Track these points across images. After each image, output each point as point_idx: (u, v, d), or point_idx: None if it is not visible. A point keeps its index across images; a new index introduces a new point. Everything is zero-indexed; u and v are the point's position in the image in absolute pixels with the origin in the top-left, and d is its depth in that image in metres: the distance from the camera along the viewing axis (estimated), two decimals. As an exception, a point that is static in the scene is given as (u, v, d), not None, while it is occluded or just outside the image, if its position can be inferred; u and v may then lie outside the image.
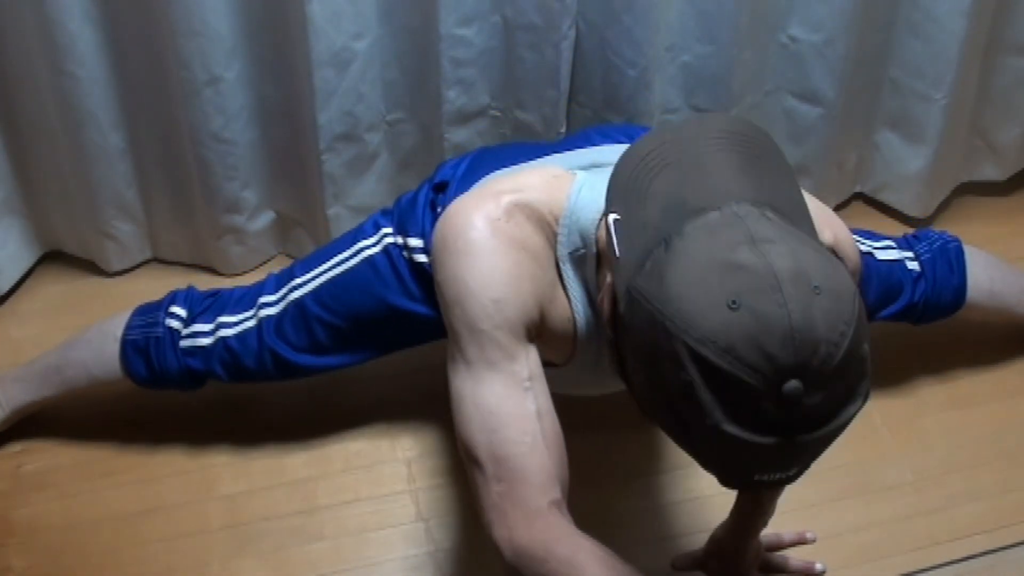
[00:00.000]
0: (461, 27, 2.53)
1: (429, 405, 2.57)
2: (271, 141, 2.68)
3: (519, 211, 1.73)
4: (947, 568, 2.39)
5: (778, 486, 1.43)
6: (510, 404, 1.65)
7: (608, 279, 1.54)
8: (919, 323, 2.56)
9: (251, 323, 2.33)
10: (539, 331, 1.74)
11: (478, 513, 1.67)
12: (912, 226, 3.05)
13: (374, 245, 2.25)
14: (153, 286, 2.77)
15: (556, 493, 1.64)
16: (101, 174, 2.63)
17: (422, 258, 2.14)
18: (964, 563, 2.40)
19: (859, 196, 3.17)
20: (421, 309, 2.17)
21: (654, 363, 1.38)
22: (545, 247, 1.75)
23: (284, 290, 2.32)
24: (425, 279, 2.09)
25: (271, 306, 2.32)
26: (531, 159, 2.16)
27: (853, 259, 1.90)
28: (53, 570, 2.33)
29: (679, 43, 2.63)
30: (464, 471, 1.70)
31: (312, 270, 2.31)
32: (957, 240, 2.58)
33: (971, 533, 2.43)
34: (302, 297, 2.29)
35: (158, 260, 2.91)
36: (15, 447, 2.51)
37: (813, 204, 1.84)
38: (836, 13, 2.64)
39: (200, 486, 2.47)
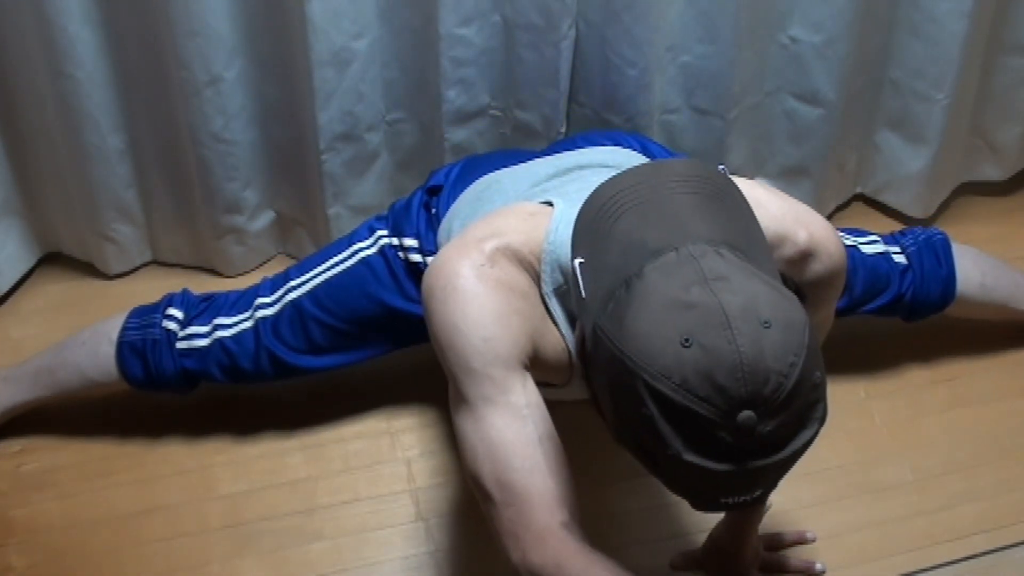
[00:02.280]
0: (461, 27, 2.53)
1: (429, 405, 2.57)
2: (271, 141, 2.69)
3: (502, 255, 1.76)
4: (947, 568, 2.39)
5: (745, 507, 1.48)
6: (510, 433, 1.68)
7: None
8: (910, 319, 2.57)
9: (248, 324, 2.34)
10: (534, 362, 1.76)
11: (496, 541, 1.69)
12: (912, 227, 3.05)
13: (370, 247, 2.29)
14: (153, 287, 2.78)
15: (565, 514, 1.66)
16: (100, 176, 2.63)
17: (417, 258, 2.19)
18: (964, 563, 2.40)
19: (859, 197, 3.17)
20: (417, 309, 2.19)
21: (617, 398, 1.45)
22: (530, 285, 1.79)
23: (280, 291, 2.35)
24: (420, 279, 2.11)
25: (268, 307, 2.34)
26: (519, 163, 2.21)
27: (835, 255, 1.91)
28: (53, 570, 2.33)
29: (679, 43, 2.63)
30: (463, 468, 1.71)
31: (308, 272, 2.34)
32: (943, 234, 2.59)
33: (971, 533, 2.43)
34: (299, 298, 2.32)
35: (158, 262, 2.91)
36: (15, 446, 2.51)
37: (788, 204, 1.88)
38: (836, 14, 2.64)
39: (200, 486, 2.47)
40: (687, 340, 1.36)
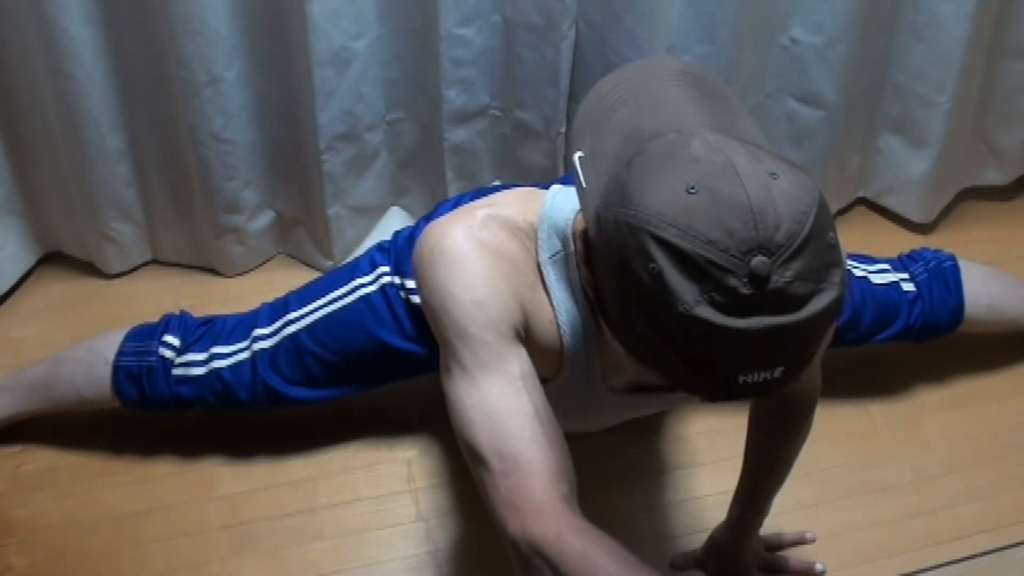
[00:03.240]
0: (461, 27, 2.54)
1: (429, 405, 2.56)
2: (271, 141, 2.69)
3: (493, 221, 1.74)
4: (947, 568, 2.38)
5: (765, 392, 1.41)
6: (507, 402, 1.64)
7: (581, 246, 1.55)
8: (919, 342, 2.57)
9: (245, 355, 2.34)
10: (526, 336, 1.74)
11: (489, 514, 1.66)
12: (915, 231, 3.06)
13: (371, 284, 2.28)
14: (153, 286, 2.80)
15: (564, 488, 1.63)
16: (100, 175, 2.64)
17: (419, 300, 2.16)
18: (964, 563, 2.40)
19: (862, 201, 3.17)
20: (416, 348, 2.20)
21: (623, 266, 1.39)
22: (522, 252, 1.75)
23: (279, 323, 2.34)
24: (421, 319, 2.10)
25: (265, 339, 2.34)
26: None
27: None
28: (53, 569, 2.33)
29: (679, 43, 2.63)
30: (464, 471, 1.70)
31: (307, 304, 2.33)
32: (952, 259, 2.58)
33: (971, 533, 2.43)
34: (297, 332, 2.31)
35: (158, 262, 2.91)
36: (15, 447, 2.51)
37: None
38: (838, 15, 2.64)
39: (200, 486, 2.47)
40: (693, 187, 1.32)
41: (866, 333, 2.48)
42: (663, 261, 1.32)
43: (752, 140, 1.48)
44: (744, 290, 1.31)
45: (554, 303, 1.75)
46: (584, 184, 1.50)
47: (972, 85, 2.87)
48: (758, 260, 1.30)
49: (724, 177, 1.33)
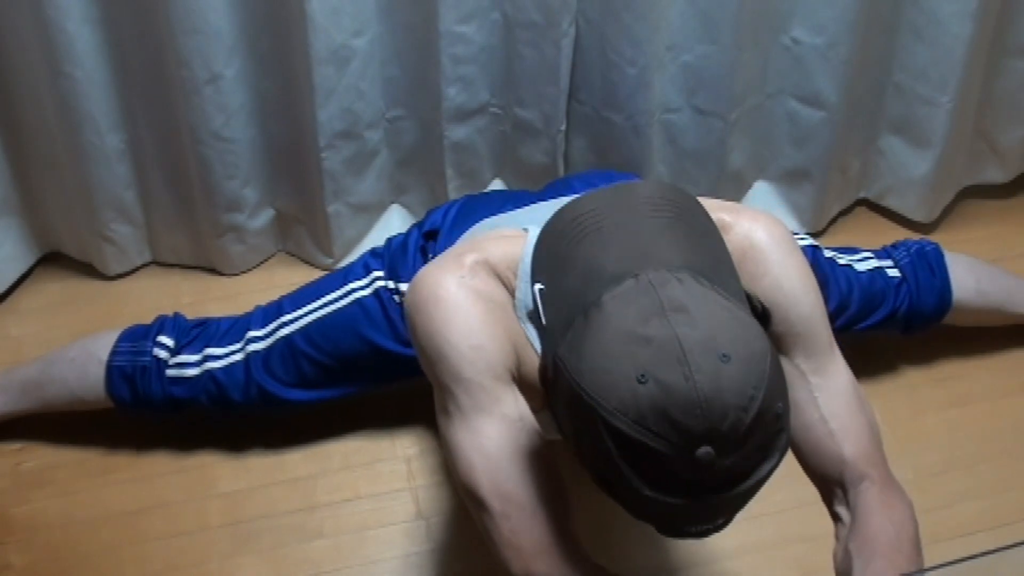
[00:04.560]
0: (461, 24, 2.54)
1: (429, 403, 2.54)
2: (271, 139, 2.69)
3: (481, 268, 1.75)
4: (948, 567, 2.37)
5: (709, 535, 1.46)
6: (505, 444, 1.66)
7: None
8: (908, 331, 2.58)
9: (239, 356, 2.35)
10: (518, 375, 1.75)
11: (492, 555, 1.68)
12: (916, 230, 3.05)
13: (365, 287, 2.30)
14: (152, 284, 2.81)
15: (565, 525, 1.66)
16: (99, 176, 2.64)
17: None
18: (965, 562, 2.38)
19: (863, 202, 3.17)
20: (409, 351, 2.18)
21: (577, 430, 1.43)
22: (509, 301, 1.76)
23: (273, 326, 2.35)
24: None
25: (259, 341, 2.35)
26: (516, 207, 2.21)
27: (754, 227, 1.82)
28: (52, 568, 2.33)
29: (680, 42, 2.64)
30: (456, 479, 1.70)
31: (301, 307, 2.35)
32: (935, 244, 2.60)
33: (972, 531, 2.42)
34: (291, 334, 2.33)
35: (157, 263, 2.91)
36: (14, 445, 2.51)
37: (730, 203, 1.84)
38: (839, 16, 2.64)
39: (199, 484, 2.47)
40: (643, 376, 1.35)
41: (853, 319, 2.49)
42: (612, 445, 1.37)
43: (717, 271, 1.52)
44: (688, 476, 1.35)
45: (537, 351, 1.75)
46: (544, 321, 1.54)
47: (974, 84, 2.86)
48: (703, 451, 1.34)
49: (673, 367, 1.35)
